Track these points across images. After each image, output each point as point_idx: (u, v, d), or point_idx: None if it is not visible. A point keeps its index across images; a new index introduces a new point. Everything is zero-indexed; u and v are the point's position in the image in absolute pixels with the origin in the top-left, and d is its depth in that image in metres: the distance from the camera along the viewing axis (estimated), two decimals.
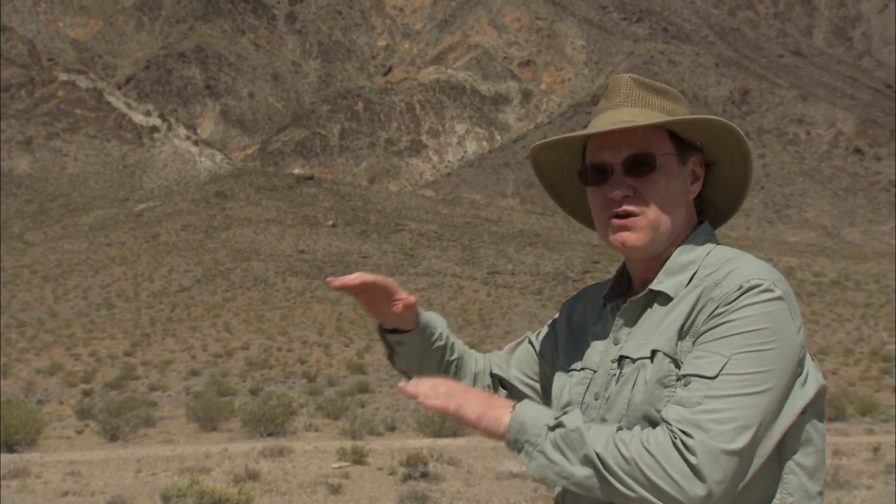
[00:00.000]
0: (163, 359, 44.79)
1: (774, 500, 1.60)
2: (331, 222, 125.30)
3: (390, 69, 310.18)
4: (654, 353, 1.63)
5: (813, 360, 1.65)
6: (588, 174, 1.74)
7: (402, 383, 1.65)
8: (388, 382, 35.09)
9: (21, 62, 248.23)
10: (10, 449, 16.15)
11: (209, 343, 53.62)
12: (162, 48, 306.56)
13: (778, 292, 1.57)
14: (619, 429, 1.55)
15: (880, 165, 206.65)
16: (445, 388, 1.62)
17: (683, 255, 1.72)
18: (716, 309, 1.58)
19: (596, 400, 1.71)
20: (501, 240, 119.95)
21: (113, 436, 18.71)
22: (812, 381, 1.62)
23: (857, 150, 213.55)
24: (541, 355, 1.98)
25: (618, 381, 1.68)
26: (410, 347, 1.92)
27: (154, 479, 11.50)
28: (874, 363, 42.32)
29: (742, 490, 1.54)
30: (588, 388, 1.75)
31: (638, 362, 1.65)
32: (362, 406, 27.13)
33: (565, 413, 1.58)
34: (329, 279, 1.79)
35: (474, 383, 1.99)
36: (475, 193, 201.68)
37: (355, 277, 1.79)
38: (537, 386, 1.98)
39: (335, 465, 12.58)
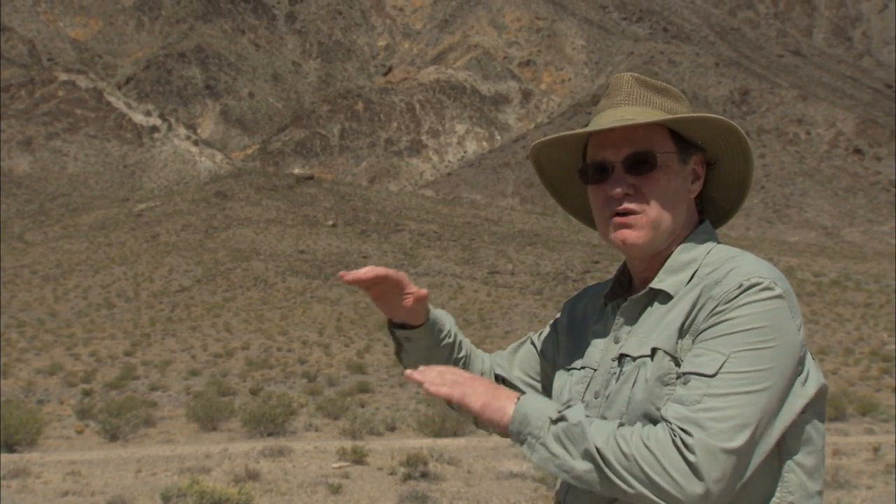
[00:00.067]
0: (163, 359, 44.80)
1: (774, 499, 1.60)
2: (331, 222, 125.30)
3: (390, 69, 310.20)
4: (654, 351, 1.64)
5: (814, 359, 1.66)
6: (589, 172, 1.74)
7: (409, 371, 1.66)
8: (388, 382, 35.11)
9: (21, 62, 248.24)
10: (10, 449, 16.15)
11: (209, 343, 53.62)
12: (162, 48, 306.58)
13: (778, 290, 1.57)
14: (621, 425, 1.55)
15: (880, 165, 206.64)
16: (452, 375, 1.64)
17: (684, 254, 1.72)
18: (716, 307, 1.58)
19: (596, 398, 1.72)
20: (501, 240, 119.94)
21: (113, 436, 18.72)
22: (813, 380, 1.62)
23: (857, 150, 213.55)
24: (542, 355, 1.98)
25: (618, 379, 1.68)
26: (419, 343, 1.92)
27: (154, 479, 11.50)
28: (874, 363, 42.32)
29: (742, 488, 1.54)
30: (588, 386, 1.76)
31: (638, 360, 1.66)
32: (362, 406, 27.13)
33: (568, 407, 1.59)
34: (341, 273, 1.78)
35: None
36: (475, 193, 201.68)
37: (368, 271, 1.78)
38: (539, 386, 1.99)
39: (335, 465, 12.58)
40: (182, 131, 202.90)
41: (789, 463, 1.62)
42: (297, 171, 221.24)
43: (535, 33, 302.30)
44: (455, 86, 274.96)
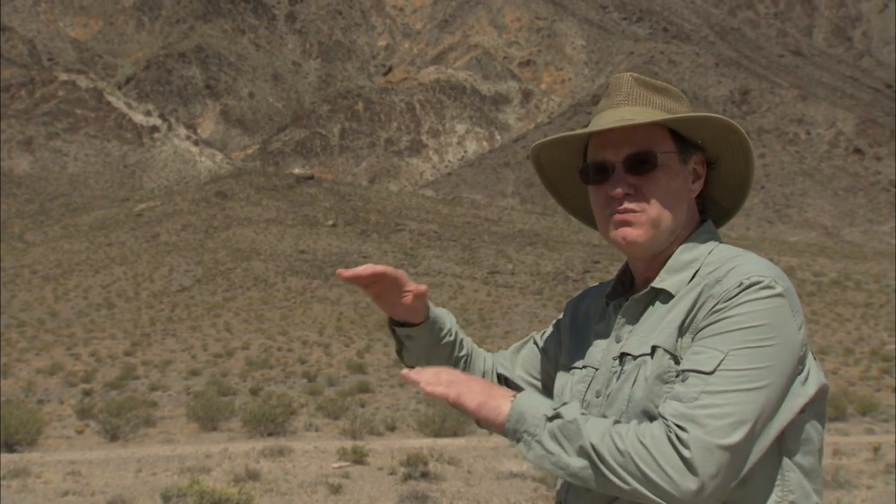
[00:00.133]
0: (163, 359, 44.79)
1: (775, 497, 1.60)
2: (331, 222, 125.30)
3: (390, 69, 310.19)
4: (654, 349, 1.64)
5: (815, 359, 1.65)
6: (589, 173, 1.75)
7: (406, 370, 1.66)
8: (388, 382, 35.11)
9: (21, 62, 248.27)
10: (11, 449, 16.16)
11: (209, 343, 53.61)
12: (162, 48, 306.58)
13: (779, 289, 1.57)
14: (617, 422, 1.55)
15: (880, 165, 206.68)
16: (448, 375, 1.64)
17: (685, 254, 1.72)
18: (715, 305, 1.58)
19: (597, 397, 1.72)
20: (501, 240, 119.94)
21: (113, 435, 18.72)
22: (813, 379, 1.62)
23: (857, 150, 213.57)
24: (544, 354, 1.98)
25: (619, 378, 1.69)
26: (420, 341, 1.92)
27: (154, 479, 11.51)
28: (874, 363, 42.32)
29: (743, 487, 1.55)
30: (590, 385, 1.76)
31: (639, 359, 1.66)
32: (362, 406, 27.13)
33: (564, 404, 1.59)
34: (339, 271, 1.79)
35: None
36: (475, 193, 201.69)
37: (366, 268, 1.79)
38: (541, 385, 1.99)
39: (335, 465, 12.59)
40: (182, 131, 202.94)
41: (789, 462, 1.62)
42: (297, 171, 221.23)
43: (535, 33, 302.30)
44: (455, 86, 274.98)
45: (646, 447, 1.48)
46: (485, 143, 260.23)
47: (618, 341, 1.74)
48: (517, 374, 2.00)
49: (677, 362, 1.60)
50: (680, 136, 1.74)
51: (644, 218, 1.69)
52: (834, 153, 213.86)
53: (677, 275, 1.70)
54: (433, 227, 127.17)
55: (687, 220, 1.75)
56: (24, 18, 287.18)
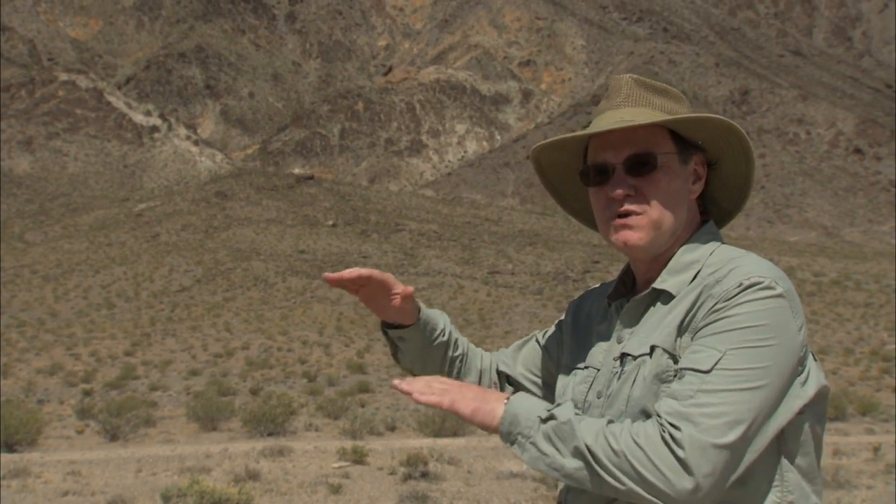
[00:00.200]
0: (163, 359, 44.77)
1: (774, 498, 1.60)
2: (331, 222, 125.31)
3: (390, 69, 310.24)
4: (653, 348, 1.64)
5: (816, 360, 1.65)
6: (590, 174, 1.74)
7: (397, 381, 1.64)
8: (388, 382, 35.08)
9: (21, 62, 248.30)
10: (11, 449, 16.16)
11: (209, 343, 53.60)
12: (162, 48, 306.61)
13: (779, 290, 1.57)
14: (611, 421, 1.55)
15: (880, 165, 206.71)
16: (440, 384, 1.63)
17: (687, 255, 1.72)
18: (715, 305, 1.58)
19: (599, 398, 1.72)
20: (501, 240, 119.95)
21: (113, 435, 18.72)
22: (813, 381, 1.61)
23: (857, 150, 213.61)
24: (547, 353, 1.99)
25: (619, 378, 1.69)
26: (412, 343, 1.93)
27: (154, 479, 11.51)
28: (874, 363, 42.32)
29: (740, 487, 1.55)
30: (591, 386, 1.76)
31: (639, 359, 1.66)
32: (362, 406, 27.13)
33: (558, 405, 1.59)
34: (325, 274, 1.79)
35: (480, 380, 2.01)
36: (475, 193, 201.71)
37: (351, 272, 1.80)
38: (542, 384, 2.00)
39: (335, 465, 12.59)
40: (182, 131, 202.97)
41: (788, 463, 1.61)
42: (297, 171, 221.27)
43: (535, 33, 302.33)
44: (455, 86, 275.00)
45: (640, 447, 1.48)
46: (485, 143, 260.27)
47: (619, 342, 1.74)
48: (518, 372, 2.01)
49: (676, 362, 1.60)
50: (680, 138, 1.73)
51: (645, 220, 1.69)
52: (834, 153, 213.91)
53: (678, 276, 1.70)
54: (433, 227, 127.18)
55: (688, 221, 1.75)
56: (24, 18, 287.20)
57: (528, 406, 1.59)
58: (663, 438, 1.48)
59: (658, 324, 1.67)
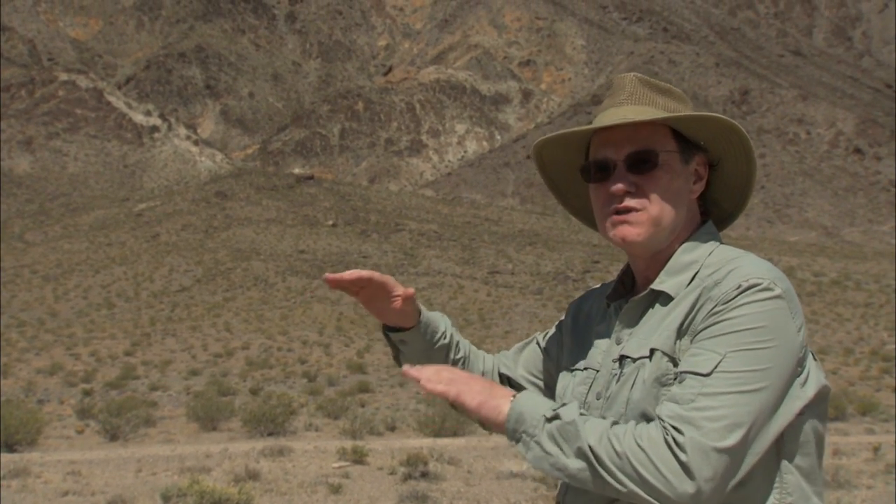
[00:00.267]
0: (163, 358, 44.78)
1: (773, 500, 1.60)
2: (331, 222, 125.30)
3: (390, 69, 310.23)
4: (652, 351, 1.64)
5: (816, 360, 1.65)
6: (591, 171, 1.75)
7: (406, 367, 1.65)
8: (388, 382, 35.10)
9: (21, 62, 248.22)
10: (11, 449, 16.16)
11: (209, 343, 53.61)
12: (162, 48, 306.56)
13: (777, 291, 1.57)
14: (615, 423, 1.54)
15: (880, 165, 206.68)
16: (448, 374, 1.63)
17: (685, 255, 1.72)
18: (714, 307, 1.58)
19: (598, 399, 1.72)
20: (501, 240, 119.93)
21: (113, 435, 18.73)
22: (813, 381, 1.61)
23: (857, 150, 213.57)
24: (547, 355, 1.99)
25: (618, 380, 1.69)
26: (414, 346, 1.93)
27: (154, 479, 11.51)
28: (874, 363, 42.33)
29: (741, 489, 1.54)
30: (590, 387, 1.76)
31: (638, 362, 1.66)
32: (362, 406, 27.13)
33: (563, 405, 1.59)
34: (325, 275, 1.79)
35: None
36: (475, 193, 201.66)
37: (351, 273, 1.80)
38: (543, 386, 2.00)
39: (335, 465, 12.59)
40: (182, 131, 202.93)
41: (788, 464, 1.61)
42: (297, 170, 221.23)
43: (535, 33, 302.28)
44: (455, 86, 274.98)
45: (643, 450, 1.48)
46: (485, 143, 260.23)
47: (618, 343, 1.74)
48: (519, 374, 2.01)
49: (675, 365, 1.60)
50: (682, 137, 1.73)
51: (644, 216, 1.69)
52: (834, 153, 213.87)
53: (677, 276, 1.70)
54: (433, 227, 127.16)
55: (688, 220, 1.75)
56: (24, 18, 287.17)
57: (534, 404, 1.59)
58: (666, 442, 1.48)
59: (657, 326, 1.67)
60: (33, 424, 17.09)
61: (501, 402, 1.60)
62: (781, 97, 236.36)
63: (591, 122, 1.78)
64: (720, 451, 1.47)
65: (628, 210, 1.69)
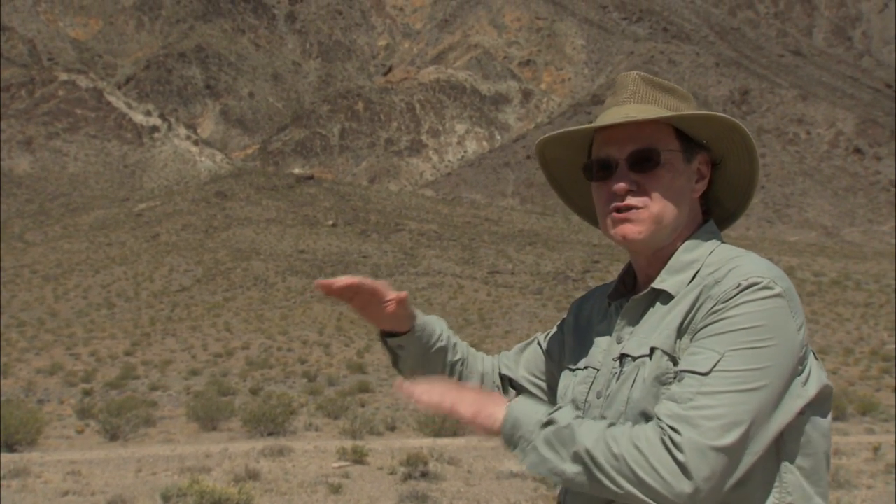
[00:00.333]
0: (163, 358, 44.77)
1: (773, 500, 1.59)
2: (331, 222, 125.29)
3: (390, 69, 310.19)
4: (652, 350, 1.64)
5: (817, 360, 1.64)
6: (593, 169, 1.75)
7: (398, 382, 1.67)
8: (388, 382, 35.08)
9: (21, 62, 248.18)
10: (11, 448, 16.16)
11: (209, 343, 53.60)
12: (162, 48, 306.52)
13: (777, 290, 1.56)
14: (611, 425, 1.54)
15: (880, 165, 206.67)
16: (441, 387, 1.64)
17: (686, 254, 1.71)
18: (713, 306, 1.58)
19: (598, 398, 1.72)
20: (501, 240, 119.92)
21: (113, 435, 18.72)
22: (814, 381, 1.61)
23: (857, 150, 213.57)
24: (548, 355, 1.98)
25: (618, 379, 1.69)
26: (411, 350, 1.93)
27: (154, 479, 11.51)
28: (874, 363, 42.33)
29: (741, 488, 1.54)
30: (591, 386, 1.75)
31: (638, 360, 1.66)
32: (362, 406, 27.13)
33: (558, 409, 1.58)
34: (317, 281, 1.79)
35: (481, 383, 1.99)
36: (475, 193, 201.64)
37: (342, 280, 1.80)
38: (545, 386, 1.99)
39: (335, 465, 12.59)
40: (182, 131, 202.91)
41: (788, 464, 1.60)
42: (297, 170, 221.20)
43: (535, 33, 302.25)
44: (455, 86, 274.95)
45: (640, 450, 1.47)
46: (485, 143, 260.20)
47: (619, 342, 1.74)
48: (521, 375, 2.00)
49: (675, 364, 1.60)
50: (685, 136, 1.73)
51: (645, 214, 1.68)
52: (834, 153, 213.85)
53: (678, 275, 1.69)
54: (433, 227, 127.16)
55: (689, 219, 1.75)
56: (24, 18, 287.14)
57: (529, 410, 1.58)
58: (663, 442, 1.47)
59: (657, 325, 1.67)
60: (33, 424, 17.09)
61: (496, 410, 1.60)
62: (781, 97, 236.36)
63: (593, 121, 1.78)
64: (718, 449, 1.46)
65: (629, 208, 1.69)
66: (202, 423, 21.00)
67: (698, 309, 1.61)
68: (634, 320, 1.73)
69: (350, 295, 1.83)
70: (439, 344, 1.94)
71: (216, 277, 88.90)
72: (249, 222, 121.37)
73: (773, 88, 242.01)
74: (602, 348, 1.78)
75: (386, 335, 1.94)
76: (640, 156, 1.69)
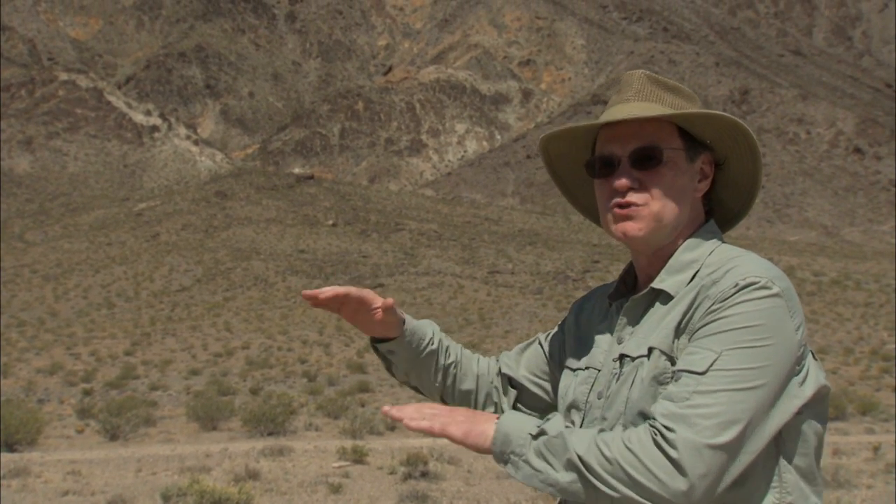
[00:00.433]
0: (163, 358, 44.76)
1: (772, 499, 1.59)
2: (331, 222, 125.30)
3: (390, 69, 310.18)
4: (651, 350, 1.64)
5: (816, 359, 1.64)
6: (595, 166, 1.75)
7: (387, 407, 1.64)
8: (389, 382, 35.09)
9: (21, 62, 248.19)
10: (11, 448, 16.16)
11: (209, 342, 53.60)
12: (162, 48, 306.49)
13: (775, 289, 1.56)
14: (602, 430, 1.54)
15: (880, 165, 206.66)
16: (429, 409, 1.62)
17: (686, 254, 1.71)
18: (711, 306, 1.58)
19: (599, 399, 1.72)
20: (501, 239, 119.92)
21: (113, 435, 18.72)
22: (812, 381, 1.60)
23: (857, 150, 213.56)
24: (549, 355, 1.99)
25: (618, 379, 1.69)
26: (402, 355, 1.94)
27: (154, 479, 11.51)
28: (874, 363, 42.30)
29: (738, 488, 1.54)
30: (592, 387, 1.76)
31: (637, 360, 1.66)
32: (362, 405, 27.11)
33: (547, 420, 1.58)
34: (304, 292, 1.81)
35: (477, 384, 2.01)
36: (475, 193, 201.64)
37: (327, 291, 1.81)
38: (547, 386, 1.99)
39: (335, 465, 12.59)
40: (182, 131, 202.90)
41: (787, 464, 1.60)
42: (297, 170, 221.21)
43: (535, 33, 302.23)
44: (455, 85, 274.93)
45: (632, 451, 1.47)
46: (485, 143, 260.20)
47: (619, 342, 1.74)
48: (521, 375, 2.00)
49: (674, 364, 1.60)
50: (689, 135, 1.74)
51: (646, 211, 1.69)
52: (834, 153, 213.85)
53: (677, 275, 1.70)
54: (433, 226, 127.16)
55: (691, 218, 1.75)
56: (24, 18, 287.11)
57: (519, 424, 1.58)
58: (655, 441, 1.47)
59: (656, 325, 1.67)
60: (33, 424, 17.09)
61: (486, 427, 1.59)
62: (781, 97, 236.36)
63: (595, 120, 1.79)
64: (714, 447, 1.46)
65: (630, 205, 1.69)
66: (202, 422, 20.99)
67: (696, 309, 1.61)
68: (635, 320, 1.73)
69: (337, 305, 1.84)
70: (430, 347, 1.95)
71: (216, 277, 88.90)
72: (249, 222, 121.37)
73: (773, 88, 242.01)
74: (603, 348, 1.78)
75: (376, 342, 1.95)
76: (642, 153, 1.69)
